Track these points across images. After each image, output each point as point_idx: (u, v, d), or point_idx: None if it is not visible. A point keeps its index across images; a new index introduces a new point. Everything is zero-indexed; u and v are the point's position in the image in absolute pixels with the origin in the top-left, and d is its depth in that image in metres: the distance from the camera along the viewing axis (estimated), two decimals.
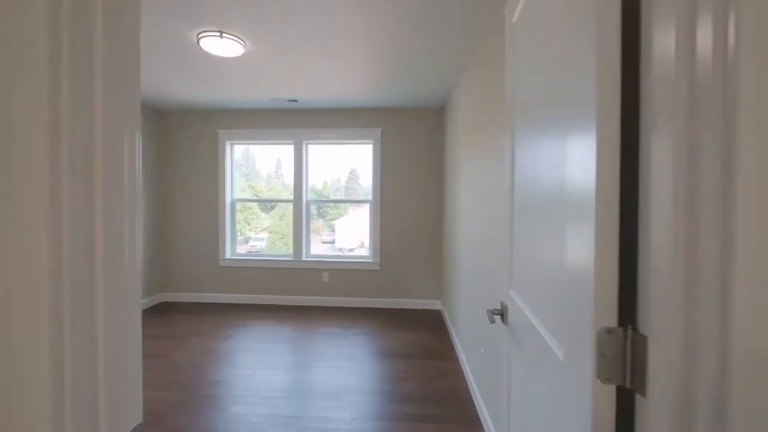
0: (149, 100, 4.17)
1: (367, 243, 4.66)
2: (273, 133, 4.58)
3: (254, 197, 4.96)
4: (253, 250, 4.85)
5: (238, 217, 4.75)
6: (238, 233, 4.78)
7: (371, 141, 4.53)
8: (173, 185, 4.69)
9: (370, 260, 4.54)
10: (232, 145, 4.74)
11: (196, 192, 4.67)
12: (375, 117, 4.50)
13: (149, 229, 4.50)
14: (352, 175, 4.94)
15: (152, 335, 3.46)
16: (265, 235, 4.90)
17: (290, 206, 4.71)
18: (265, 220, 5.00)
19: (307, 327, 3.77)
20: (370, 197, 4.63)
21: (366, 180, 4.73)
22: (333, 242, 5.05)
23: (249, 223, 4.83)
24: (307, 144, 4.65)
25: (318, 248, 4.79)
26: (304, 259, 4.58)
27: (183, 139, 4.67)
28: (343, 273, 4.55)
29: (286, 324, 3.86)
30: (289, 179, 4.74)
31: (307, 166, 4.67)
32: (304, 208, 4.63)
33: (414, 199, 4.50)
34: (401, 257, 4.51)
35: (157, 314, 4.06)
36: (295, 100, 4.17)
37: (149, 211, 4.50)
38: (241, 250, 4.81)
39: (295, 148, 4.58)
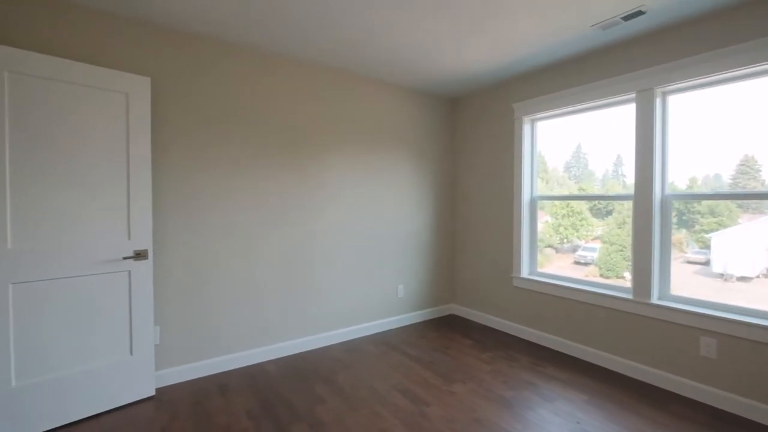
0: (440, 85, 3.64)
1: None
2: (598, 88, 2.84)
3: (570, 195, 3.37)
4: (582, 261, 3.28)
5: (565, 222, 3.35)
6: (564, 240, 3.38)
7: None
8: (463, 178, 3.99)
9: None
10: (532, 122, 3.42)
11: (487, 187, 3.74)
12: None
13: (440, 230, 4.01)
14: (746, 165, 2.36)
15: (425, 360, 2.81)
16: (597, 244, 3.22)
17: (631, 209, 2.77)
18: (598, 227, 3.28)
19: None
20: None
21: None
22: (707, 263, 2.66)
23: (577, 230, 3.32)
24: (664, 93, 2.56)
25: (680, 270, 2.59)
26: (654, 301, 2.52)
27: (474, 125, 3.87)
28: (758, 349, 2.10)
29: (608, 415, 2.09)
30: (632, 178, 2.82)
31: (664, 133, 2.57)
32: (657, 210, 2.57)
33: None
34: None
35: (440, 330, 3.45)
36: (640, 12, 2.27)
37: (441, 210, 4.02)
38: (564, 261, 3.37)
39: (638, 107, 2.62)
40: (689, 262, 2.72)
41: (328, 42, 2.67)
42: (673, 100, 2.54)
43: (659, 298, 2.54)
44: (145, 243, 2.30)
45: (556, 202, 3.37)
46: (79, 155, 2.08)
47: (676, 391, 2.39)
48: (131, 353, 2.26)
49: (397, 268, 3.67)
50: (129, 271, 2.25)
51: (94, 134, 2.13)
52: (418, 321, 3.83)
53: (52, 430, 1.99)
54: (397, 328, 3.61)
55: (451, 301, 4.13)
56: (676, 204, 2.57)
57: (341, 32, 2.52)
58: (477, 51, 2.83)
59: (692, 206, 2.57)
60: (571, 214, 3.40)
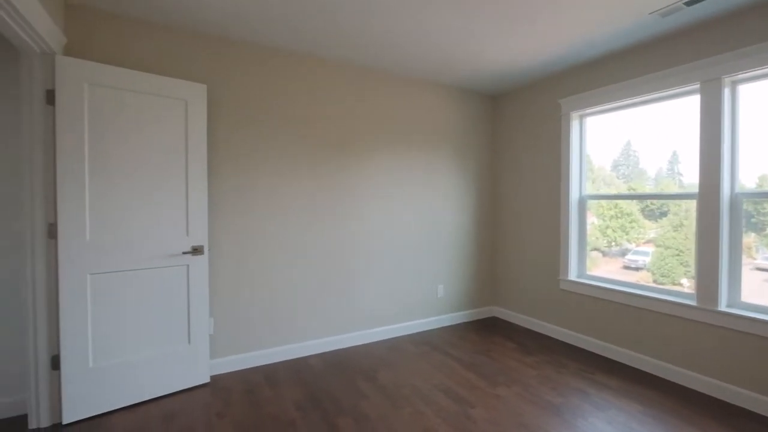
0: (482, 82, 3.57)
1: None
2: (654, 80, 2.66)
3: (623, 193, 3.19)
4: (632, 266, 3.08)
5: (613, 223, 3.18)
6: (612, 243, 3.21)
7: None
8: (506, 177, 3.89)
9: None
10: (581, 117, 3.27)
11: (531, 185, 3.62)
12: None
13: (480, 231, 3.94)
14: None
15: (466, 362, 2.77)
16: (650, 248, 3.03)
17: (691, 209, 2.59)
18: (651, 230, 3.08)
19: None
20: None
21: None
22: None
23: (627, 233, 3.13)
24: (733, 82, 2.35)
25: (749, 277, 2.37)
26: (723, 309, 2.33)
27: (517, 122, 3.76)
28: None
29: (668, 428, 1.95)
30: (690, 176, 2.65)
31: (734, 125, 2.37)
32: (725, 210, 2.36)
33: None
34: None
35: (481, 332, 3.38)
36: None
37: (482, 209, 3.94)
38: (611, 266, 3.20)
39: (703, 99, 2.43)
40: (759, 269, 2.49)
41: (369, 44, 2.71)
42: (743, 89, 2.33)
43: (728, 306, 2.34)
44: (201, 239, 2.46)
45: (603, 203, 3.20)
46: (144, 157, 2.26)
47: (746, 407, 2.19)
48: (189, 342, 2.42)
49: (436, 267, 3.64)
50: (187, 265, 2.41)
51: (157, 138, 2.31)
52: (458, 322, 3.78)
53: (120, 409, 2.17)
54: (437, 329, 3.59)
55: (492, 303, 4.04)
56: (744, 205, 2.35)
57: (384, 36, 2.55)
58: (524, 46, 2.75)
59: (763, 207, 2.35)
60: (619, 215, 3.21)
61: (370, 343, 3.21)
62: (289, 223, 2.89)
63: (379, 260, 3.31)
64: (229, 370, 2.66)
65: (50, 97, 2.01)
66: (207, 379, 2.48)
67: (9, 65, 2.09)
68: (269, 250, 2.82)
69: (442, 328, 3.62)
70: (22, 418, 2.05)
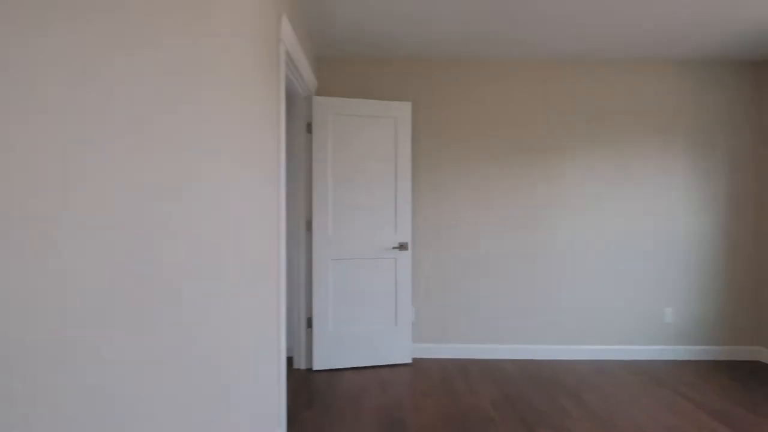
0: (727, 48, 2.71)
1: None
2: None
3: None
4: None
5: None
6: None
7: None
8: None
9: None
10: None
11: None
12: None
13: (734, 241, 2.94)
14: None
15: (718, 411, 2.10)
16: None
17: None
18: None
19: None
20: None
21: None
22: None
23: None
24: None
25: None
26: None
27: None
28: None
29: None
30: None
31: None
32: None
33: None
34: None
35: (739, 379, 2.48)
36: None
37: (738, 214, 2.94)
38: None
39: None
40: None
41: (572, 31, 2.48)
42: None
43: None
44: (406, 236, 2.81)
45: None
46: (365, 168, 2.78)
47: None
48: (396, 324, 2.80)
49: (662, 285, 2.94)
50: (395, 259, 2.81)
51: (374, 152, 2.79)
52: (697, 359, 2.93)
53: (348, 368, 2.71)
54: (661, 360, 2.89)
55: (757, 342, 2.94)
56: None
57: (596, 16, 2.29)
58: None
59: None
60: None
61: (569, 360, 2.89)
62: (485, 226, 2.95)
63: (585, 271, 2.95)
64: (426, 356, 2.92)
65: (309, 128, 2.74)
66: (410, 360, 2.80)
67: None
68: (464, 252, 2.95)
69: (672, 362, 2.88)
70: (290, 360, 2.84)
